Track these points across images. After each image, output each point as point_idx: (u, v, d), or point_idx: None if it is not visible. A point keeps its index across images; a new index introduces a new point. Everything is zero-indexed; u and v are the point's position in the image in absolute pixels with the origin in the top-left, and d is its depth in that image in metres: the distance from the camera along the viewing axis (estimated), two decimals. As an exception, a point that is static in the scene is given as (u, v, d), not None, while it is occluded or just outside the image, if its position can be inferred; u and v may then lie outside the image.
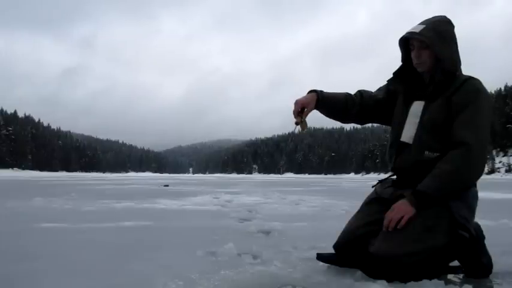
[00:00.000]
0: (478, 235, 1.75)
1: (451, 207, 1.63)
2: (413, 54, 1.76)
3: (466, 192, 1.69)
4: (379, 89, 1.99)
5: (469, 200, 1.70)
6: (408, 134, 1.79)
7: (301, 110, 1.82)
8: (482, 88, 1.72)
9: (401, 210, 1.63)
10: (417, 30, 1.72)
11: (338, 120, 2.02)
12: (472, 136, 1.63)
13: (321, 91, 1.88)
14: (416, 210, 1.62)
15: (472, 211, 1.71)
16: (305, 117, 1.82)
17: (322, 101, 1.86)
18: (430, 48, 1.71)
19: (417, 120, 1.77)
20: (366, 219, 1.82)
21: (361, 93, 1.95)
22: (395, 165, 1.85)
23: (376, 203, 1.86)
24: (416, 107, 1.79)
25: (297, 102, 1.83)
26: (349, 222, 1.90)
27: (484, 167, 1.72)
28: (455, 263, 1.76)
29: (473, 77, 1.74)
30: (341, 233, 1.88)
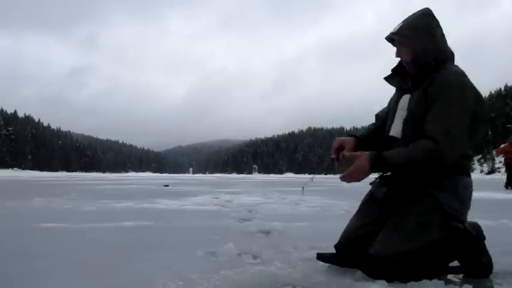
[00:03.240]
0: (478, 235, 1.75)
1: (440, 201, 1.64)
2: (395, 53, 1.82)
3: (454, 183, 1.69)
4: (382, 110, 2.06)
5: (459, 191, 1.69)
6: (396, 128, 1.81)
7: (338, 148, 1.86)
8: (456, 80, 1.67)
9: (359, 168, 1.67)
10: (395, 30, 1.78)
11: None
12: (440, 131, 1.60)
13: (359, 136, 1.94)
14: (370, 168, 1.66)
15: (462, 202, 1.70)
16: (343, 160, 1.78)
17: (360, 143, 1.90)
18: (406, 45, 1.75)
19: (405, 114, 1.78)
20: (365, 219, 1.83)
21: (375, 122, 2.04)
22: None
23: (372, 202, 1.87)
24: (404, 101, 1.80)
25: (336, 140, 1.89)
26: (350, 222, 1.91)
27: (453, 159, 1.63)
28: (455, 263, 1.76)
29: (451, 68, 1.71)
30: (342, 233, 1.88)
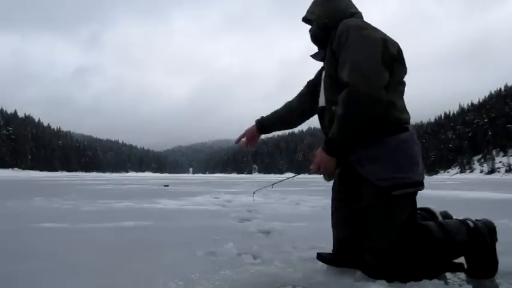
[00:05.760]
0: (490, 235, 1.69)
1: (367, 179, 1.60)
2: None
3: (380, 150, 1.58)
4: (315, 76, 2.05)
5: (388, 155, 1.57)
6: (322, 98, 1.82)
7: (243, 136, 2.11)
8: (351, 25, 1.63)
9: (319, 158, 1.64)
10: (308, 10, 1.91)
11: (290, 128, 2.21)
12: (351, 74, 1.52)
13: (261, 119, 2.10)
14: (331, 157, 1.61)
15: (397, 166, 1.56)
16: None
17: (264, 128, 2.08)
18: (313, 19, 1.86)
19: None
20: (340, 216, 1.81)
21: (302, 90, 2.09)
22: (324, 131, 1.83)
23: (334, 189, 1.86)
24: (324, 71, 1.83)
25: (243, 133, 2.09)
26: (332, 224, 1.87)
27: (380, 100, 1.51)
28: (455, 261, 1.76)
29: (348, 20, 1.68)
30: (333, 239, 1.86)
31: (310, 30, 1.89)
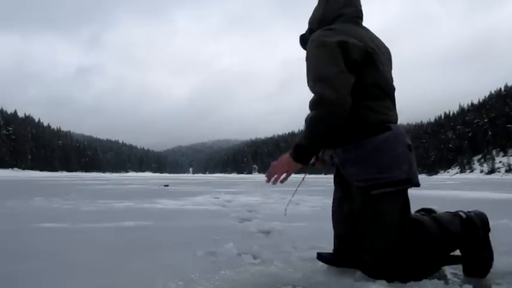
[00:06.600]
0: (482, 226, 1.70)
1: (349, 180, 1.64)
2: None
3: (359, 152, 1.60)
4: None
5: (368, 157, 1.59)
6: None
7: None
8: (316, 35, 1.65)
9: (282, 161, 1.61)
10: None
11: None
12: (313, 82, 1.58)
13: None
14: (295, 161, 1.58)
15: (376, 166, 1.57)
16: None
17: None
18: None
19: None
20: (339, 216, 1.80)
21: None
22: None
23: (335, 191, 1.85)
24: None
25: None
26: (332, 223, 1.87)
27: (342, 105, 1.52)
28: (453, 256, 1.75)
29: (318, 31, 1.69)
30: (334, 238, 1.86)
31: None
